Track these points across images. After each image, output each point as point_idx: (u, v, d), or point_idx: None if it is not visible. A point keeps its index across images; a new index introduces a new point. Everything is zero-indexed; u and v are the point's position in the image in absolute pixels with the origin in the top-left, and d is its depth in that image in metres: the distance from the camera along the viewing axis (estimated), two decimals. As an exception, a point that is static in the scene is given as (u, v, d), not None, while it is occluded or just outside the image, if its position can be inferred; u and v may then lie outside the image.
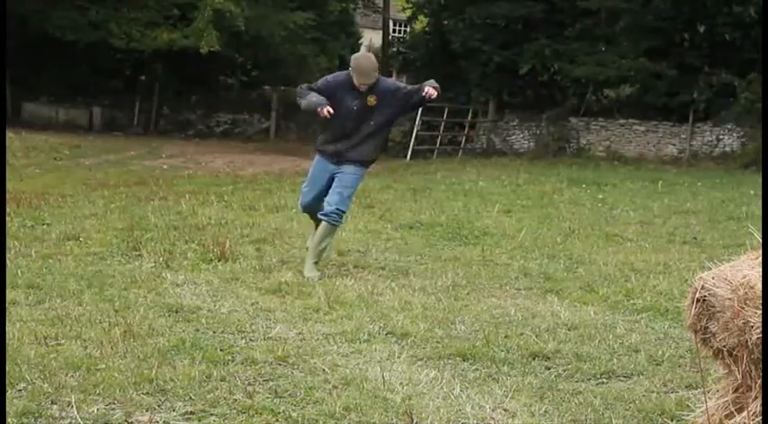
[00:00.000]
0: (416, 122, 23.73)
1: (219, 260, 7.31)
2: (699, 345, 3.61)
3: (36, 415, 3.83)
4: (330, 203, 7.07)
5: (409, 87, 7.35)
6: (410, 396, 4.18)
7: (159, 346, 4.82)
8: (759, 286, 3.33)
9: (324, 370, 4.53)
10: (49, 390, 4.08)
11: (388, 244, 8.47)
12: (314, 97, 6.85)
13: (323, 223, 7.09)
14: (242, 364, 4.60)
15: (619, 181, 16.17)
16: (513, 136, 25.28)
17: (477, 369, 4.67)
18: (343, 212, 7.17)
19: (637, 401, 4.20)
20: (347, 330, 5.31)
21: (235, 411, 3.95)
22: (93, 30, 25.07)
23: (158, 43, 24.78)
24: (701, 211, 11.79)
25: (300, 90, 7.07)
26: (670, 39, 22.85)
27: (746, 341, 3.36)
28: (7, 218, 8.66)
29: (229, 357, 4.69)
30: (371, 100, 7.03)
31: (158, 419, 3.85)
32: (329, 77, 7.20)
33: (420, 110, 23.80)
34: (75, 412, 3.85)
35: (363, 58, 7.24)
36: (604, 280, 6.99)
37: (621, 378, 4.60)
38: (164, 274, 6.76)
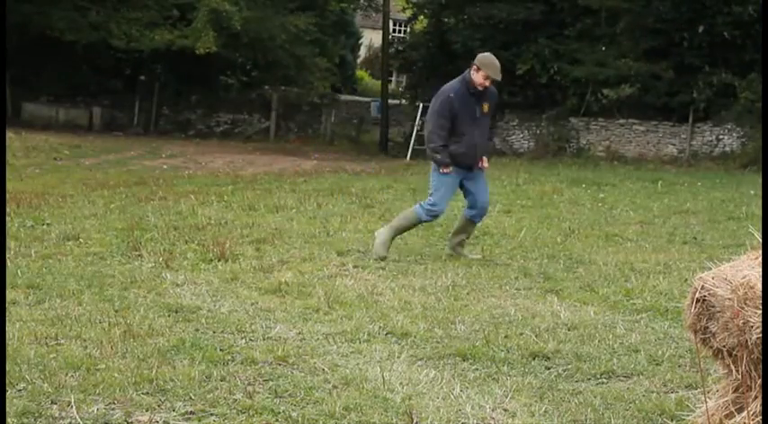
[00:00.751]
0: (416, 122, 23.73)
1: (219, 260, 7.31)
2: (699, 345, 3.61)
3: (36, 415, 3.83)
4: (485, 203, 8.04)
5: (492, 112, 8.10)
6: (410, 396, 4.18)
7: (159, 346, 4.82)
8: (759, 286, 3.33)
9: (324, 370, 4.53)
10: (49, 390, 4.08)
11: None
12: (442, 154, 7.68)
13: (468, 219, 7.98)
14: (242, 364, 4.59)
15: (619, 181, 16.17)
16: (513, 136, 25.28)
17: (477, 369, 4.67)
18: None
19: (637, 401, 4.20)
20: (347, 330, 5.31)
21: (235, 411, 3.95)
22: (92, 30, 25.08)
23: (157, 43, 24.78)
24: (701, 211, 11.79)
25: (438, 133, 7.68)
26: (670, 39, 22.84)
27: (746, 341, 3.36)
28: (7, 218, 8.66)
29: (229, 357, 4.69)
30: (485, 107, 7.84)
31: (158, 419, 3.85)
32: (451, 95, 7.71)
33: (420, 110, 23.85)
34: (75, 412, 3.85)
35: (493, 57, 7.81)
36: (604, 280, 6.98)
37: (621, 378, 4.60)
38: (164, 274, 6.76)
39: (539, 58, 23.80)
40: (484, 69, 7.62)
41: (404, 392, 4.24)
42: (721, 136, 22.74)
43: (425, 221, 8.01)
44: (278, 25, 25.51)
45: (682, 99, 22.81)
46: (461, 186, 7.97)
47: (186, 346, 4.83)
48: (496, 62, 7.71)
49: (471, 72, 7.69)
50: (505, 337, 5.24)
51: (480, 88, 7.66)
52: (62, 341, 4.90)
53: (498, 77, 7.67)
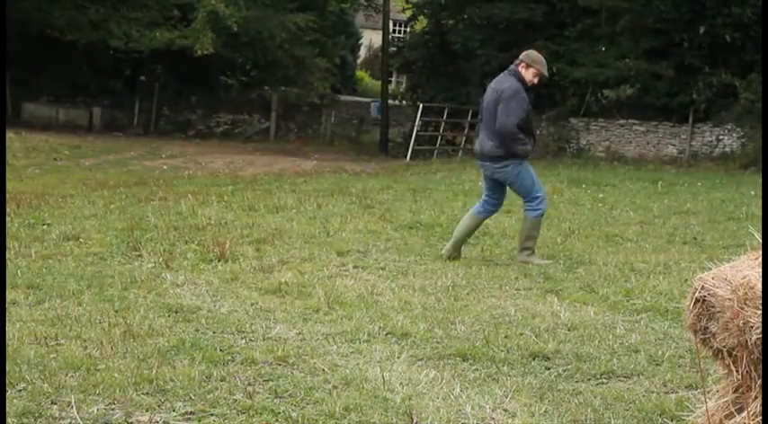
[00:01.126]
0: (416, 122, 23.71)
1: (219, 261, 7.31)
2: (699, 345, 3.61)
3: (36, 415, 3.83)
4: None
5: None
6: (410, 396, 4.18)
7: (159, 346, 4.82)
8: (759, 286, 3.33)
9: (324, 370, 4.53)
10: (49, 390, 4.09)
11: (388, 244, 8.46)
12: (526, 145, 7.81)
13: (481, 218, 8.13)
14: (242, 364, 4.60)
15: (619, 181, 16.16)
16: (513, 137, 25.23)
17: (477, 369, 4.67)
18: None
19: (637, 402, 4.20)
20: (347, 330, 5.31)
21: (235, 411, 3.95)
22: (92, 29, 25.08)
23: (156, 43, 24.77)
24: (701, 211, 11.79)
25: (515, 131, 7.69)
26: (670, 39, 22.83)
27: (746, 341, 3.37)
28: (7, 218, 8.66)
29: (229, 357, 4.69)
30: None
31: (158, 419, 3.85)
32: (523, 94, 7.76)
33: (420, 110, 23.84)
34: (75, 412, 3.85)
35: (539, 54, 7.98)
36: (604, 280, 6.99)
37: (621, 378, 4.60)
38: (164, 274, 6.76)
39: (538, 59, 23.78)
40: (535, 66, 7.79)
41: (404, 392, 4.24)
42: (721, 137, 22.73)
43: (544, 212, 8.03)
44: (277, 24, 25.50)
45: (682, 99, 22.80)
46: (495, 181, 8.02)
47: (186, 346, 4.83)
48: (543, 59, 7.91)
49: (520, 69, 7.81)
50: (505, 337, 5.24)
51: (530, 85, 7.84)
52: (62, 341, 4.90)
53: (547, 74, 7.98)
